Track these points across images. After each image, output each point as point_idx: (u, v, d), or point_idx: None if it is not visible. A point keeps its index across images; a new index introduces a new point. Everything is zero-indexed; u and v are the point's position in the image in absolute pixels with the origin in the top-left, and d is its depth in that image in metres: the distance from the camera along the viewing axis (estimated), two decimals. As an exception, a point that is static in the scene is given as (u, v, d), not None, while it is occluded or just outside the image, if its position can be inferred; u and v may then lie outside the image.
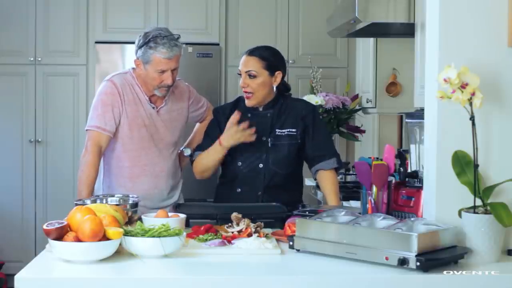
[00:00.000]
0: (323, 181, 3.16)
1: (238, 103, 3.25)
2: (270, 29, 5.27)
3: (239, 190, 3.15)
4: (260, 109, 3.18)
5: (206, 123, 3.39)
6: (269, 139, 3.14)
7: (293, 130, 3.16)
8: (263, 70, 3.12)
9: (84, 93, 5.18)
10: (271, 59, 3.15)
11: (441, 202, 2.30)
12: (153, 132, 3.25)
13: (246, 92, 3.13)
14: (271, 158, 3.13)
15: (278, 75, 3.16)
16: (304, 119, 3.18)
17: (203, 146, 3.19)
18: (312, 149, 3.17)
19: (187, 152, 3.41)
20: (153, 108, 3.25)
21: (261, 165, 3.13)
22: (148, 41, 3.12)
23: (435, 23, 2.32)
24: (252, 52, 3.15)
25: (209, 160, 3.13)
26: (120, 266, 2.12)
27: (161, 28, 3.25)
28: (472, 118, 2.18)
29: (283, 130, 3.15)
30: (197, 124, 3.57)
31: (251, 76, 3.11)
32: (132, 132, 3.22)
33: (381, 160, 2.60)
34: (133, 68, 3.28)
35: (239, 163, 3.14)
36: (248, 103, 3.15)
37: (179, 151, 3.44)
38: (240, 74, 3.15)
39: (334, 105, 4.48)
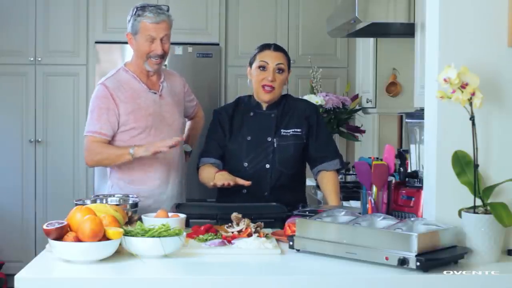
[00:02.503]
0: (325, 181, 3.16)
1: (239, 104, 3.24)
2: (270, 29, 5.27)
3: (245, 191, 3.09)
4: (264, 108, 3.18)
5: (196, 121, 3.52)
6: (275, 140, 3.13)
7: (298, 130, 3.15)
8: (287, 66, 3.17)
9: (84, 93, 5.18)
10: (288, 57, 3.20)
11: (441, 202, 2.30)
12: (161, 119, 3.22)
13: (268, 85, 3.11)
14: (277, 159, 3.12)
15: (290, 73, 3.21)
16: (308, 119, 3.18)
17: (207, 150, 3.18)
18: (315, 149, 3.17)
19: (188, 148, 3.45)
20: (155, 93, 3.24)
21: (267, 166, 3.12)
22: (136, 11, 3.18)
23: (435, 23, 2.32)
24: (278, 48, 3.17)
25: (204, 178, 3.14)
26: (120, 266, 2.12)
27: (150, 3, 3.32)
28: (472, 118, 2.18)
29: (288, 130, 3.15)
30: (188, 123, 3.57)
31: (280, 70, 3.12)
32: (139, 123, 3.17)
33: (381, 160, 2.60)
34: (125, 63, 3.28)
35: (245, 164, 3.12)
36: (266, 97, 3.13)
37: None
38: (262, 68, 3.11)
39: (334, 105, 4.48)
